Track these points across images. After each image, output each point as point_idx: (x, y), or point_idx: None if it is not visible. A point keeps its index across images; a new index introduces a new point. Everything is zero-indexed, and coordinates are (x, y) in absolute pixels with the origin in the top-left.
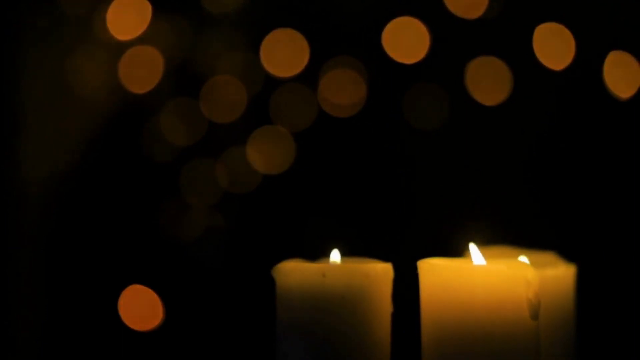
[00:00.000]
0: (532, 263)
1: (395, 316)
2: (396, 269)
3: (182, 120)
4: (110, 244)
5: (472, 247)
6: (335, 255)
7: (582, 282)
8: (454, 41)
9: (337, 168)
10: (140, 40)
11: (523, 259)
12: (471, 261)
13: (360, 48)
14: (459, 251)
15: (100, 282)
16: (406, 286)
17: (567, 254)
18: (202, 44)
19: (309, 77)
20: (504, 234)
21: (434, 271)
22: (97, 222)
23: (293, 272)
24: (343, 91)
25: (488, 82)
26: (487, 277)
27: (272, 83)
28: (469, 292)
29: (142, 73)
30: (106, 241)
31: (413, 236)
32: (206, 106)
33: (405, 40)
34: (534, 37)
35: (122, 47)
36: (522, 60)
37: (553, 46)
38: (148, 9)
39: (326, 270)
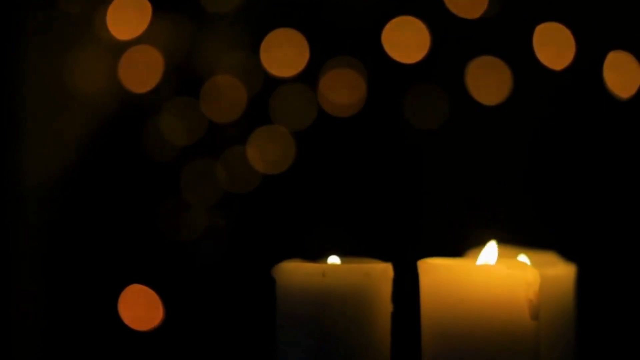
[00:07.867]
0: (532, 263)
1: (395, 316)
2: (396, 269)
3: (182, 120)
4: (110, 243)
5: (492, 245)
6: (333, 260)
7: (582, 282)
8: (454, 41)
9: (337, 168)
10: (140, 40)
11: (523, 258)
12: (471, 261)
13: (360, 48)
14: (459, 251)
15: (100, 281)
16: (406, 286)
17: (567, 254)
18: (202, 44)
19: (309, 77)
20: (504, 233)
21: (434, 271)
22: (97, 222)
23: (293, 271)
24: (343, 91)
25: (488, 82)
26: (487, 277)
27: (272, 83)
28: (469, 292)
29: (142, 73)
30: (106, 241)
31: (413, 236)
32: (206, 106)
33: (405, 40)
34: (534, 37)
35: (122, 47)
36: (522, 60)
37: (553, 46)
38: (148, 9)
39: (326, 270)
